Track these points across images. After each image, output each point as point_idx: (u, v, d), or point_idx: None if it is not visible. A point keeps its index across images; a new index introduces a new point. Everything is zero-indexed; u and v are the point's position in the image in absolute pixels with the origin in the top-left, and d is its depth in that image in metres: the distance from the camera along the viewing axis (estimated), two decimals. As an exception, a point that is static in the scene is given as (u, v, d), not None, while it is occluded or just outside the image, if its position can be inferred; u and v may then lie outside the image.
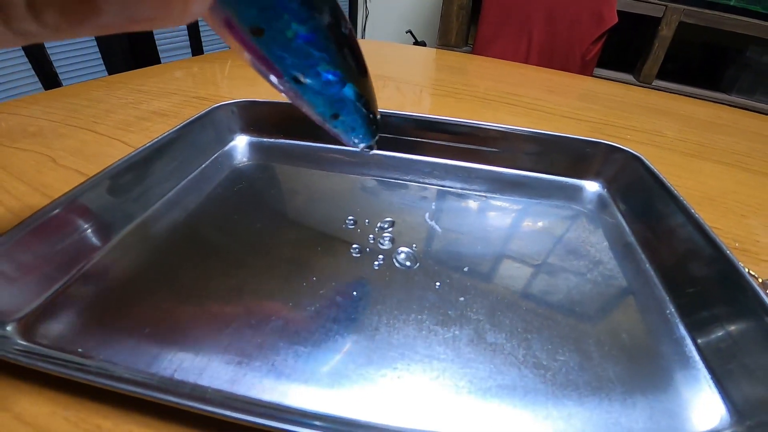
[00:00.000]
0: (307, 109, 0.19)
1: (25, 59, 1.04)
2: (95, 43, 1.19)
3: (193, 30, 1.44)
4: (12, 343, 0.21)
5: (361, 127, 0.21)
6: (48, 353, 0.21)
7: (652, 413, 0.20)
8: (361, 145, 0.22)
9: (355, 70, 0.18)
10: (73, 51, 1.15)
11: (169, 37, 1.37)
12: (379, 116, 0.21)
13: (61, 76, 1.13)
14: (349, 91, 0.18)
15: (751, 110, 0.74)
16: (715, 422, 0.20)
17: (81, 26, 0.11)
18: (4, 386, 0.19)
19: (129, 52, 1.26)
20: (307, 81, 0.17)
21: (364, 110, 0.20)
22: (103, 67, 1.23)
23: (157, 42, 1.34)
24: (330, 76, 0.17)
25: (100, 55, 1.21)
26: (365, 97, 0.19)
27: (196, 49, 1.47)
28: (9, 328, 0.21)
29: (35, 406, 0.19)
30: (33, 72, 1.06)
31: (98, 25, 0.11)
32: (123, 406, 0.19)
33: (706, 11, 1.51)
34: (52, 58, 1.09)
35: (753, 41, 1.53)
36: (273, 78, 0.17)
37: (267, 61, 0.16)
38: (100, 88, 0.55)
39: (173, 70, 0.66)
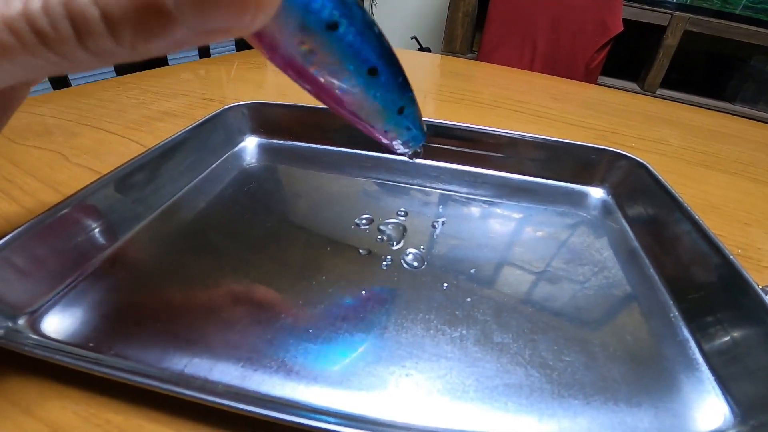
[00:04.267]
0: (368, 110, 0.19)
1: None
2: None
3: (201, 33, 1.44)
4: (24, 337, 0.21)
5: (416, 122, 0.21)
6: (59, 347, 0.21)
7: (657, 413, 0.20)
8: (412, 147, 0.22)
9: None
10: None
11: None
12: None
13: (70, 76, 1.14)
14: (408, 84, 0.19)
15: (754, 119, 0.74)
16: (718, 422, 0.20)
17: (157, 41, 0.11)
18: (15, 380, 0.19)
19: (137, 54, 1.26)
20: (381, 71, 0.17)
21: (419, 109, 0.20)
22: (111, 68, 1.23)
23: (164, 44, 1.34)
24: (394, 65, 0.18)
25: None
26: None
27: (203, 51, 1.48)
28: (21, 321, 0.22)
29: (46, 401, 0.19)
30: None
31: (174, 41, 0.11)
32: (133, 400, 0.19)
33: (712, 20, 1.51)
34: (62, 58, 1.10)
35: (757, 50, 1.54)
36: (339, 79, 0.17)
37: (340, 60, 0.16)
38: (111, 89, 0.55)
39: (181, 72, 0.66)
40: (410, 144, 0.22)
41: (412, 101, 0.20)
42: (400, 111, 0.20)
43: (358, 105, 0.18)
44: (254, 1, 0.11)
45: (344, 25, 0.15)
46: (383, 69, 0.17)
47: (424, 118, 0.22)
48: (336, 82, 0.17)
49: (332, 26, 0.15)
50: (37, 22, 0.10)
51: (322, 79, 0.17)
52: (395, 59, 0.18)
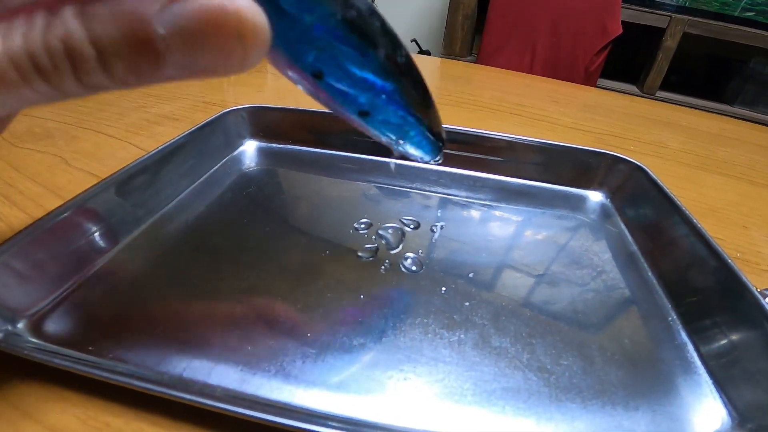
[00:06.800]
0: (372, 135, 0.19)
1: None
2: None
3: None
4: (23, 340, 0.21)
5: (426, 147, 0.21)
6: (59, 350, 0.21)
7: (654, 416, 0.20)
8: (427, 161, 0.23)
9: (415, 95, 0.18)
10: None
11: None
12: (444, 135, 0.22)
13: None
14: (410, 116, 0.19)
15: (754, 122, 0.75)
16: (716, 425, 0.20)
17: (147, 78, 0.11)
18: (15, 383, 0.19)
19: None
20: (375, 111, 0.17)
21: (427, 133, 0.20)
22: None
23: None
24: (394, 100, 0.17)
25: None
26: (427, 121, 0.20)
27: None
28: (20, 325, 0.22)
29: (45, 404, 0.19)
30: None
31: (163, 77, 0.11)
32: (132, 404, 0.19)
33: (711, 22, 1.51)
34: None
35: (757, 52, 1.54)
36: (340, 111, 0.17)
37: (333, 100, 0.16)
38: (111, 92, 0.55)
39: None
40: (423, 159, 0.22)
41: (418, 122, 0.19)
42: (403, 137, 0.20)
43: (363, 129, 0.19)
44: (241, 47, 0.11)
45: (329, 75, 0.15)
46: (378, 108, 0.17)
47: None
48: (337, 109, 0.17)
49: (317, 75, 0.15)
50: (38, 57, 0.11)
51: (325, 101, 0.17)
52: (398, 92, 0.17)
